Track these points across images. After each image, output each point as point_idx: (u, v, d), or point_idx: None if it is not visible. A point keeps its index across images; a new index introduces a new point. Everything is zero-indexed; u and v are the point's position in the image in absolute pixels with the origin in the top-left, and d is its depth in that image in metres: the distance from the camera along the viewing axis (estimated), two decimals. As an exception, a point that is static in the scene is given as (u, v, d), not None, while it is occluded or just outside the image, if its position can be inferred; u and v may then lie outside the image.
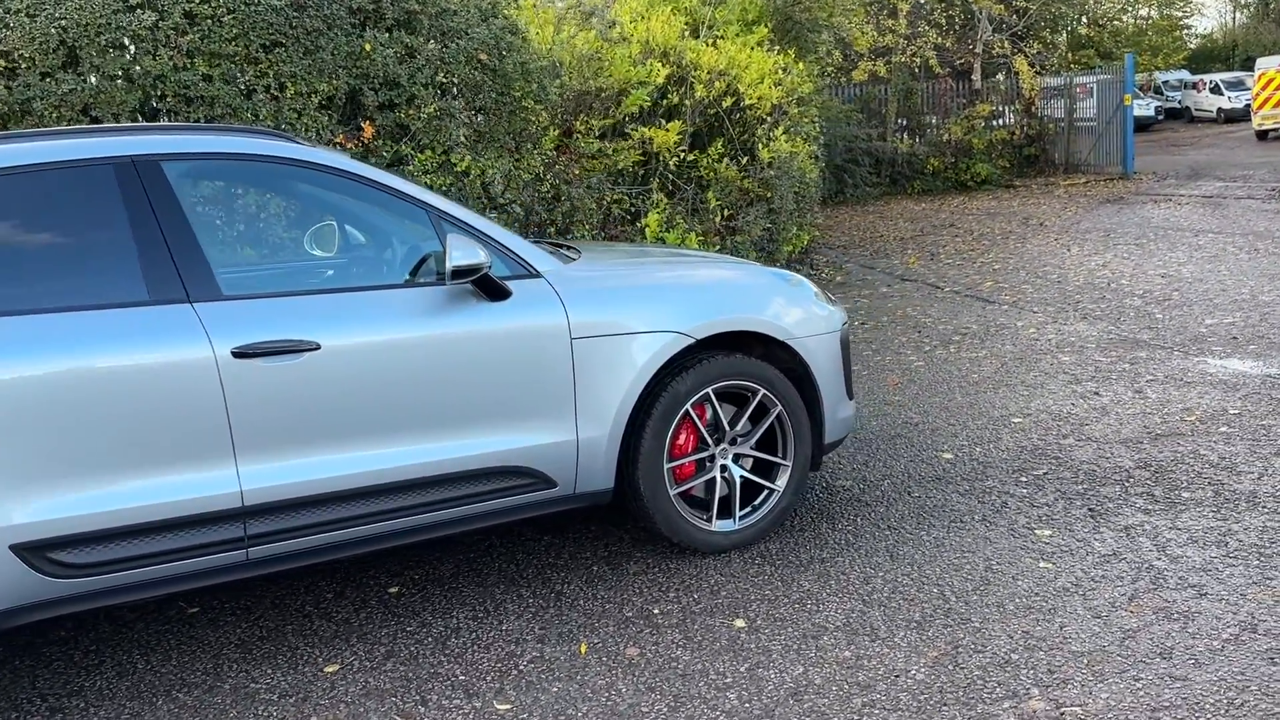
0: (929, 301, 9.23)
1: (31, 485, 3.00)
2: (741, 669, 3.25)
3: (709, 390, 3.99)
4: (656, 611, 3.65)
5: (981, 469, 4.81)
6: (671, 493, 3.97)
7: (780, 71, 10.44)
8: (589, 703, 3.12)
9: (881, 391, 6.29)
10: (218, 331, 3.22)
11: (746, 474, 4.17)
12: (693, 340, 3.92)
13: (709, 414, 4.05)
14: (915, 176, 20.19)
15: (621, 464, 3.91)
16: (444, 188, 6.80)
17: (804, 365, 4.18)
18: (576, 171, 8.06)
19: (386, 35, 6.38)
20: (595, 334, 3.78)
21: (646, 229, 8.29)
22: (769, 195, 9.87)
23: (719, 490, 4.10)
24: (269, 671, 3.41)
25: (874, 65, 20.64)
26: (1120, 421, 5.35)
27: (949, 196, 18.87)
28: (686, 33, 10.28)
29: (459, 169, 6.83)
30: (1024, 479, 4.65)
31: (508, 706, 3.12)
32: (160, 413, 3.15)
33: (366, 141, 6.38)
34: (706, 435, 4.07)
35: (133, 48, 5.55)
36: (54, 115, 5.40)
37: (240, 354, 3.23)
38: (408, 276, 3.69)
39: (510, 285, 3.68)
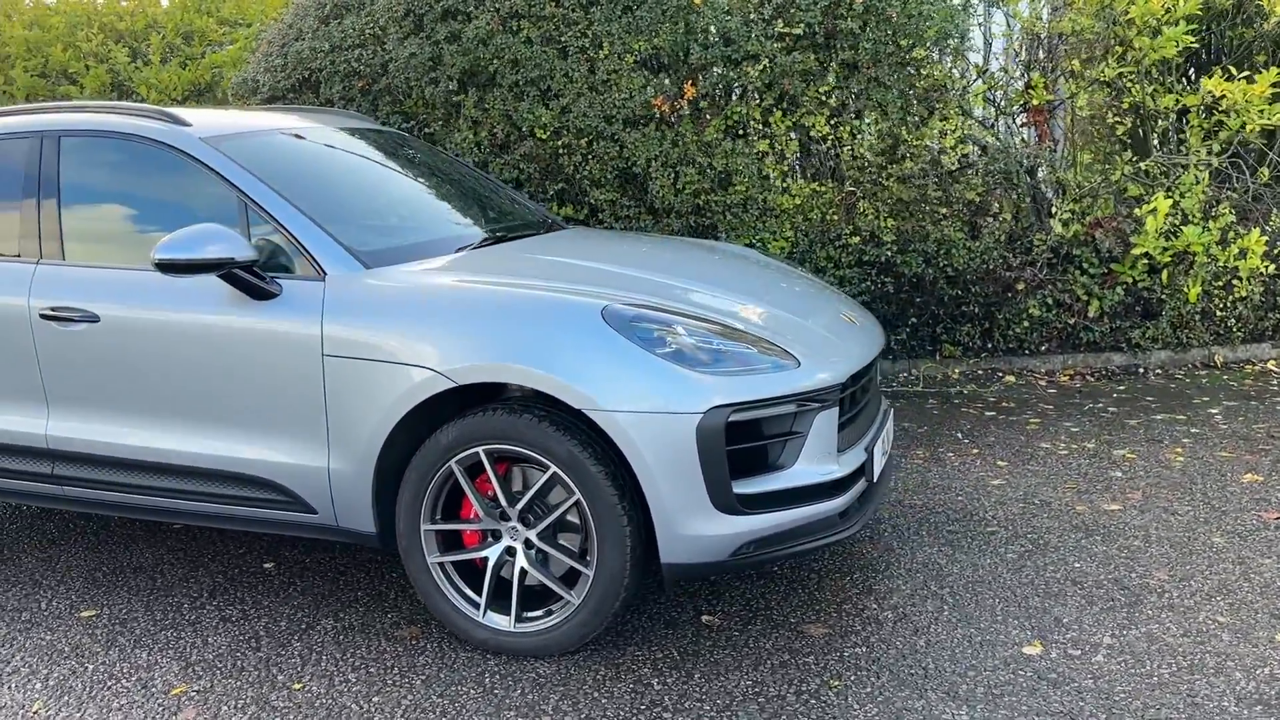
0: None
1: None
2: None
3: (479, 450, 3.15)
4: (277, 703, 3.12)
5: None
6: (430, 560, 3.29)
7: None
8: None
9: (1225, 495, 3.92)
10: (38, 292, 3.65)
11: (529, 567, 3.20)
12: (452, 383, 3.12)
13: (493, 479, 3.20)
14: None
15: (392, 510, 3.36)
16: (795, 156, 5.96)
17: (616, 448, 3.01)
18: (1048, 139, 6.25)
19: (728, -17, 5.74)
20: (350, 355, 3.27)
21: (1149, 220, 6.05)
22: None
23: (489, 575, 3.25)
24: (40, 597, 3.83)
25: None
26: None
27: None
28: None
29: (813, 133, 5.89)
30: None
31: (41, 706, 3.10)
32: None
33: (691, 102, 5.88)
34: (479, 505, 3.23)
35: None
36: (403, 76, 6.13)
37: (46, 316, 3.62)
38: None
39: (282, 285, 3.38)
